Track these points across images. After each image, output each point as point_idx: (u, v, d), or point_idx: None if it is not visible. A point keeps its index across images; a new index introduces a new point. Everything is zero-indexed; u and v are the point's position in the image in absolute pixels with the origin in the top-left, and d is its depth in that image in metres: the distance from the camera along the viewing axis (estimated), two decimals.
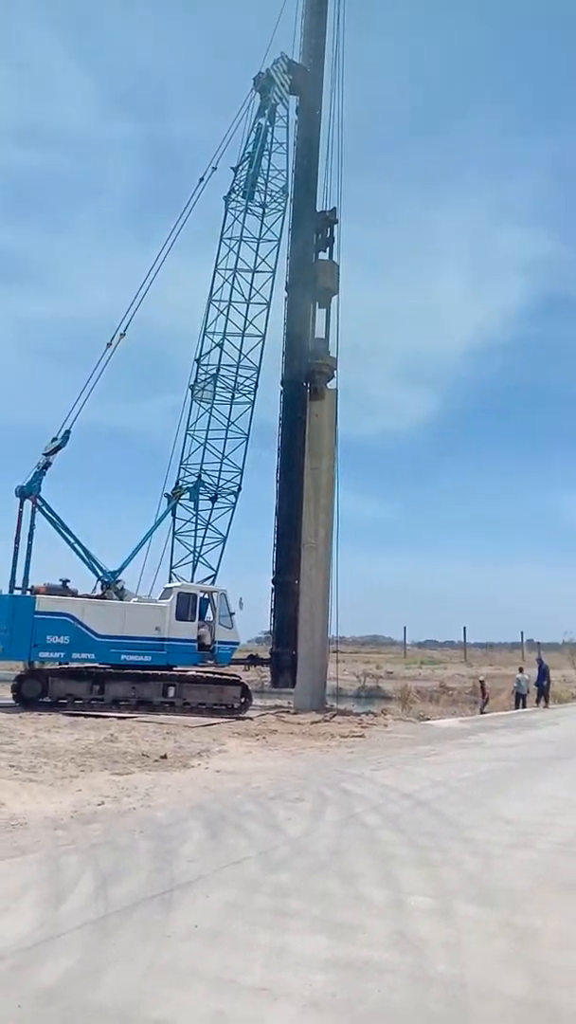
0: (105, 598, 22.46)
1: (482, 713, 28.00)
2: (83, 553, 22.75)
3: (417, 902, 5.44)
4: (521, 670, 31.09)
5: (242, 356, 25.70)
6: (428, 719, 24.12)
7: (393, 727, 19.66)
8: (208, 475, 25.41)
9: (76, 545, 22.65)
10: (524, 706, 28.74)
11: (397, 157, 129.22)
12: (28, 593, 21.18)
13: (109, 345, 24.11)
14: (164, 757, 12.37)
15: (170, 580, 24.49)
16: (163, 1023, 3.62)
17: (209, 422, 25.47)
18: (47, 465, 22.28)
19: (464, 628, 64.09)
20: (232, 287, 25.83)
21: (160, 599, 23.16)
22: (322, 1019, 3.71)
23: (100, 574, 22.85)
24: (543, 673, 29.64)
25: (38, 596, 20.95)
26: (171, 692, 21.40)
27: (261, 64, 26.75)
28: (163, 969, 4.21)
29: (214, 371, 25.55)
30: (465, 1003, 3.91)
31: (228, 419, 25.56)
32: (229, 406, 25.62)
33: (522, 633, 58.60)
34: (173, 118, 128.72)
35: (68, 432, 22.75)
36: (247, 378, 25.72)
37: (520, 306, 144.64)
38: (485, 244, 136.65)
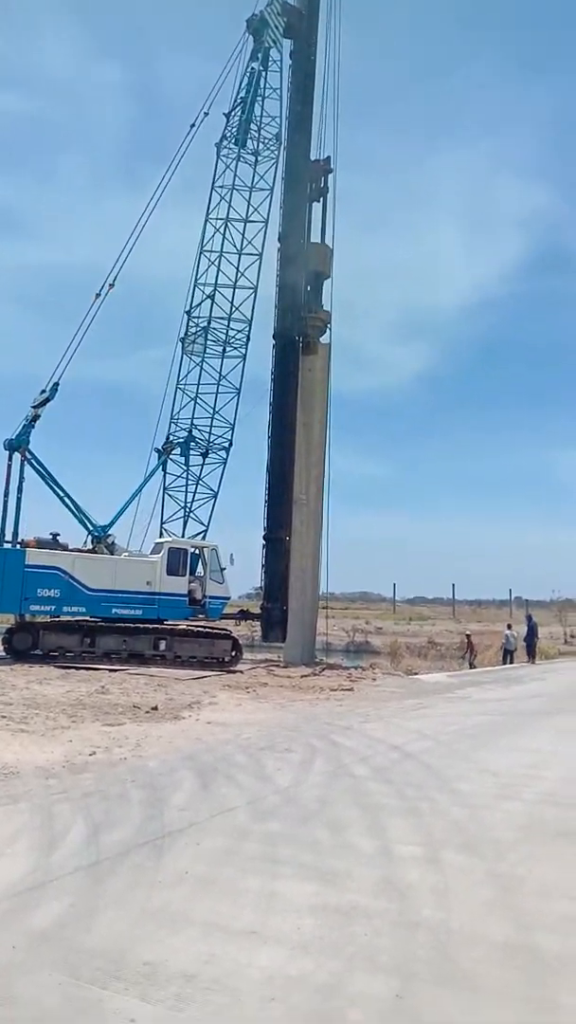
0: (96, 552, 22.46)
1: (471, 668, 28.38)
2: (73, 507, 22.71)
3: (404, 851, 5.54)
4: (509, 627, 31.45)
5: (233, 308, 25.39)
6: (416, 674, 24.42)
7: (381, 681, 19.89)
8: (199, 430, 25.30)
9: (66, 499, 22.59)
10: (512, 662, 29.13)
11: (393, 106, 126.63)
12: (18, 546, 21.15)
13: (97, 296, 23.76)
14: (155, 709, 12.48)
15: (161, 535, 24.51)
16: (154, 965, 3.69)
17: (200, 376, 25.29)
18: (36, 418, 22.10)
19: (453, 585, 64.76)
20: (224, 237, 25.43)
21: (151, 554, 23.18)
22: (310, 961, 3.78)
23: (90, 528, 22.83)
24: (532, 630, 29.99)
25: (28, 549, 20.93)
26: (162, 646, 21.56)
27: (254, 5, 25.96)
28: (154, 914, 4.28)
29: (205, 324, 25.26)
30: (450, 947, 4.00)
31: (219, 373, 25.37)
32: (220, 360, 25.41)
33: (511, 590, 59.33)
34: (162, 61, 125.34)
35: (56, 385, 22.52)
36: (238, 331, 25.46)
37: (517, 260, 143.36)
38: (482, 196, 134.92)
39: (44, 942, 3.90)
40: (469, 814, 6.64)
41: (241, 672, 20.81)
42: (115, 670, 18.58)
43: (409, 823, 6.28)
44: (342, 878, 4.94)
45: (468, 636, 31.44)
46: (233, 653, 22.68)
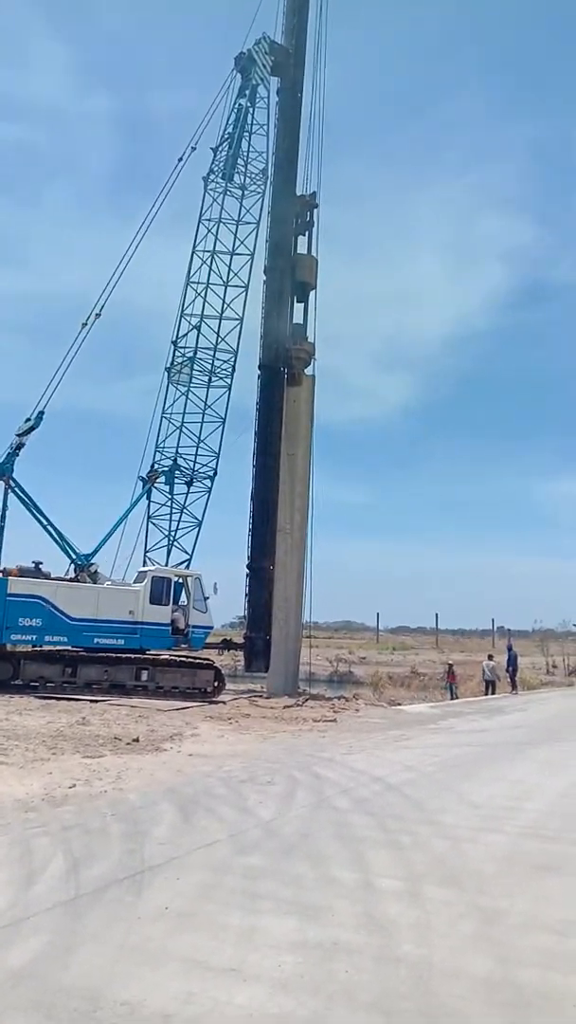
0: (78, 581, 22.34)
1: (453, 698, 28.31)
2: (56, 535, 22.63)
3: (386, 884, 5.51)
4: (490, 657, 31.44)
5: (219, 339, 25.59)
6: (399, 704, 24.33)
7: (364, 712, 19.81)
8: (184, 459, 25.35)
9: (49, 527, 22.52)
10: (494, 692, 29.09)
11: (378, 139, 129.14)
12: (0, 575, 21.00)
13: (84, 325, 23.89)
14: (136, 740, 12.37)
15: (144, 564, 24.43)
16: (132, 1004, 3.64)
17: (186, 405, 25.41)
18: (20, 446, 22.08)
19: (436, 615, 64.81)
20: (210, 269, 25.70)
21: (134, 583, 23.08)
22: (290, 999, 3.74)
23: (73, 557, 22.74)
24: (512, 660, 30.00)
25: (10, 578, 20.78)
26: (144, 676, 21.39)
27: (243, 43, 26.52)
28: (133, 950, 4.23)
29: (191, 354, 25.43)
30: (431, 983, 3.97)
31: (205, 403, 25.48)
32: (206, 389, 25.54)
33: (493, 620, 59.44)
34: (151, 93, 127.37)
35: (42, 413, 22.55)
36: (224, 361, 25.64)
37: (500, 293, 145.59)
38: (466, 229, 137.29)
39: (20, 981, 3.84)
40: (451, 846, 6.62)
41: (224, 703, 20.67)
42: (96, 701, 18.41)
43: (391, 856, 6.25)
44: (323, 913, 4.91)
45: (450, 666, 31.41)
46: (216, 684, 22.54)
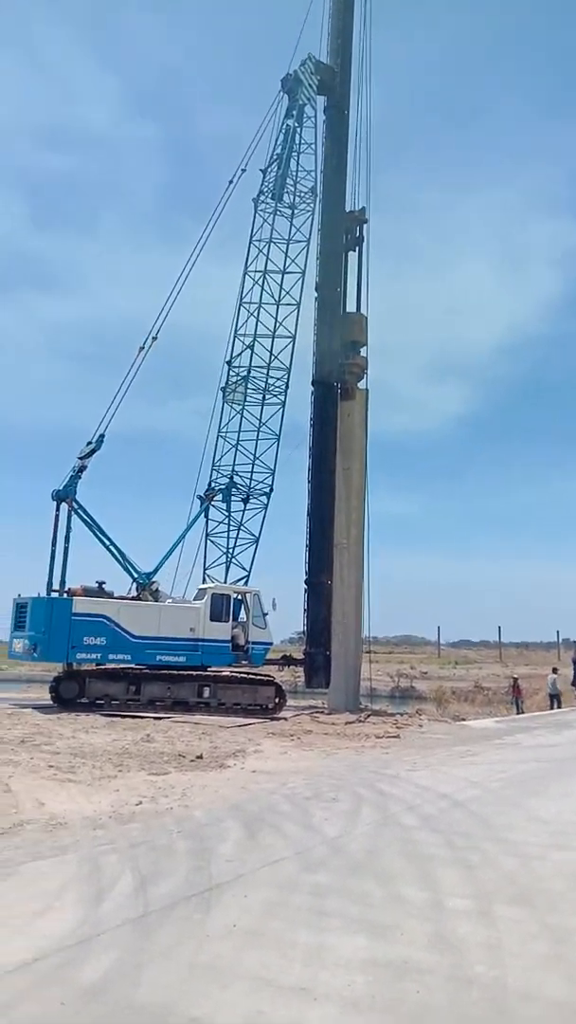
0: (140, 599, 22.63)
1: (519, 713, 27.74)
2: (118, 555, 22.94)
3: (455, 903, 5.43)
4: (555, 670, 30.75)
5: (272, 357, 25.73)
6: (463, 719, 23.96)
7: (428, 728, 19.57)
8: (240, 476, 25.51)
9: (111, 547, 22.85)
10: (559, 706, 28.41)
11: (424, 147, 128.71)
12: (65, 595, 21.41)
13: (141, 349, 24.29)
14: (200, 757, 12.44)
15: (204, 581, 24.61)
16: (203, 1021, 3.66)
17: (240, 423, 25.56)
18: (82, 469, 22.51)
19: (499, 627, 63.51)
20: (262, 289, 25.88)
21: (194, 600, 23.28)
22: (362, 1019, 3.71)
23: (135, 576, 23.03)
24: None
25: (75, 598, 21.15)
26: (206, 692, 21.50)
27: (288, 65, 26.79)
28: (202, 968, 4.25)
29: (245, 373, 25.62)
30: (506, 1004, 3.90)
31: (259, 420, 25.62)
32: (260, 407, 25.68)
33: (558, 632, 58.02)
34: (198, 117, 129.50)
35: (102, 436, 22.95)
36: (277, 379, 25.75)
37: (553, 298, 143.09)
38: (515, 234, 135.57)
39: (92, 998, 3.89)
40: (520, 864, 6.49)
41: (285, 719, 20.64)
42: (160, 718, 18.57)
43: (459, 874, 6.15)
44: (392, 931, 4.86)
45: (515, 680, 30.78)
46: (277, 700, 22.51)
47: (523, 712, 28.10)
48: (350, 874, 6.09)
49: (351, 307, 27.15)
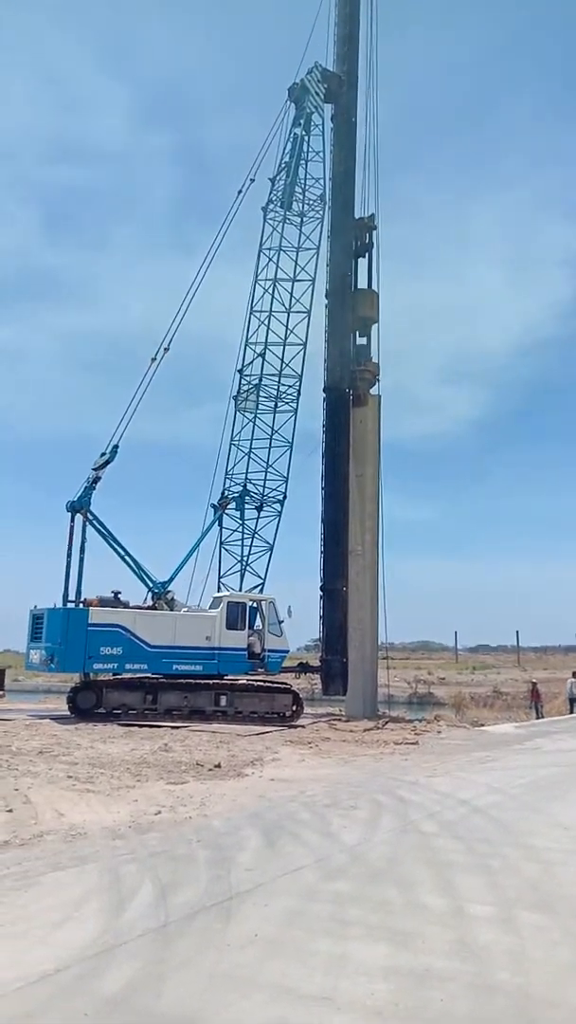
0: (156, 609, 22.67)
1: (538, 718, 27.56)
2: (133, 565, 23.01)
3: (477, 910, 5.39)
4: (574, 674, 30.54)
5: (284, 365, 25.78)
6: (482, 725, 23.83)
7: (447, 733, 19.47)
8: (253, 484, 25.53)
9: (126, 557, 22.92)
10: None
11: (434, 152, 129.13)
12: (81, 606, 21.49)
13: (153, 360, 24.39)
14: (218, 766, 12.43)
15: (219, 589, 24.64)
16: None
17: (253, 432, 25.60)
18: (97, 479, 22.60)
19: (517, 632, 63.24)
20: (272, 297, 25.96)
21: (209, 608, 23.30)
22: None
23: (150, 585, 23.08)
24: None
25: (91, 608, 21.22)
26: (223, 701, 21.49)
27: (296, 74, 26.94)
28: (224, 977, 4.24)
29: (256, 381, 25.68)
30: (531, 1012, 3.86)
31: (271, 428, 25.65)
32: (272, 415, 25.72)
33: None
34: (208, 127, 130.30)
35: (116, 447, 23.05)
36: (289, 387, 25.80)
37: (565, 300, 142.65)
38: (526, 237, 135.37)
39: (115, 1008, 3.88)
40: (542, 870, 6.43)
41: (303, 727, 20.61)
42: (177, 727, 18.59)
43: (481, 881, 6.11)
44: (414, 939, 4.82)
45: (534, 684, 30.58)
46: (294, 707, 22.48)
47: (543, 717, 27.91)
48: (370, 882, 6.06)
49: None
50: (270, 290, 25.94)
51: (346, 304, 26.64)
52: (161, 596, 22.95)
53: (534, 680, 31.49)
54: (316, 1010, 3.85)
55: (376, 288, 27.39)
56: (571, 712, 28.04)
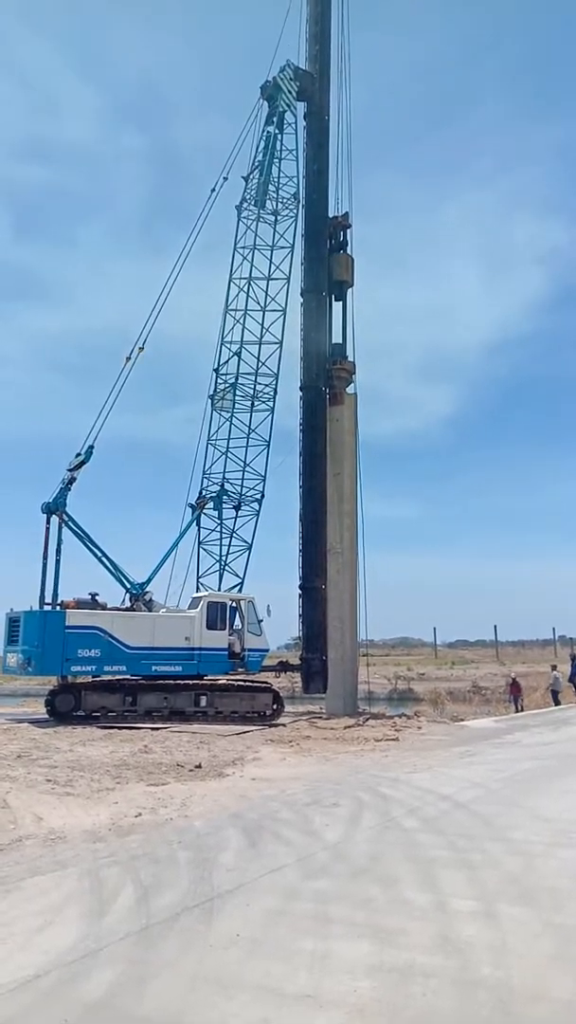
0: (134, 610, 22.56)
1: (517, 711, 27.76)
2: (110, 566, 22.88)
3: (459, 904, 5.40)
4: (553, 667, 30.84)
5: (260, 364, 25.75)
6: (462, 720, 23.95)
7: (427, 729, 19.55)
8: (231, 484, 25.48)
9: (103, 558, 22.78)
10: (558, 703, 28.47)
11: (406, 151, 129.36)
12: (58, 608, 21.33)
13: (128, 359, 24.26)
14: (199, 767, 12.39)
15: (197, 590, 24.57)
16: None
17: (230, 431, 25.54)
18: (72, 481, 22.44)
19: (495, 627, 63.47)
20: (247, 296, 25.91)
21: (188, 609, 23.22)
22: None
23: (128, 586, 22.96)
24: None
25: (68, 611, 21.07)
26: (203, 701, 21.44)
27: (267, 72, 26.90)
28: (207, 978, 4.21)
29: (233, 380, 25.62)
30: (513, 1006, 3.87)
31: (248, 427, 25.61)
32: (249, 414, 25.67)
33: (554, 629, 58.09)
34: (178, 127, 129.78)
35: (91, 447, 22.91)
36: (266, 385, 25.77)
37: (538, 298, 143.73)
38: (499, 235, 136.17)
39: (96, 1013, 3.85)
40: (524, 863, 6.47)
41: (283, 725, 20.59)
42: (157, 728, 18.50)
43: (463, 875, 6.13)
44: (397, 936, 4.82)
45: (514, 679, 30.76)
46: (275, 706, 22.47)
47: (523, 710, 28.11)
48: (352, 879, 6.06)
49: (336, 310, 27.26)
50: (245, 289, 25.90)
51: (321, 297, 26.63)
52: (139, 597, 22.83)
53: (514, 675, 31.69)
54: (299, 1009, 3.84)
55: (352, 289, 27.43)
56: (555, 704, 28.31)
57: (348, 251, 27.44)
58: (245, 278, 25.92)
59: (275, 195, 26.44)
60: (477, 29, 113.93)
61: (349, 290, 27.23)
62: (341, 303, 27.17)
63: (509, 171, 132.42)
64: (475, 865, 6.42)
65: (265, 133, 26.53)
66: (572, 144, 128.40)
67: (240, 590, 24.93)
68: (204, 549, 25.35)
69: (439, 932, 4.88)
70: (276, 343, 25.86)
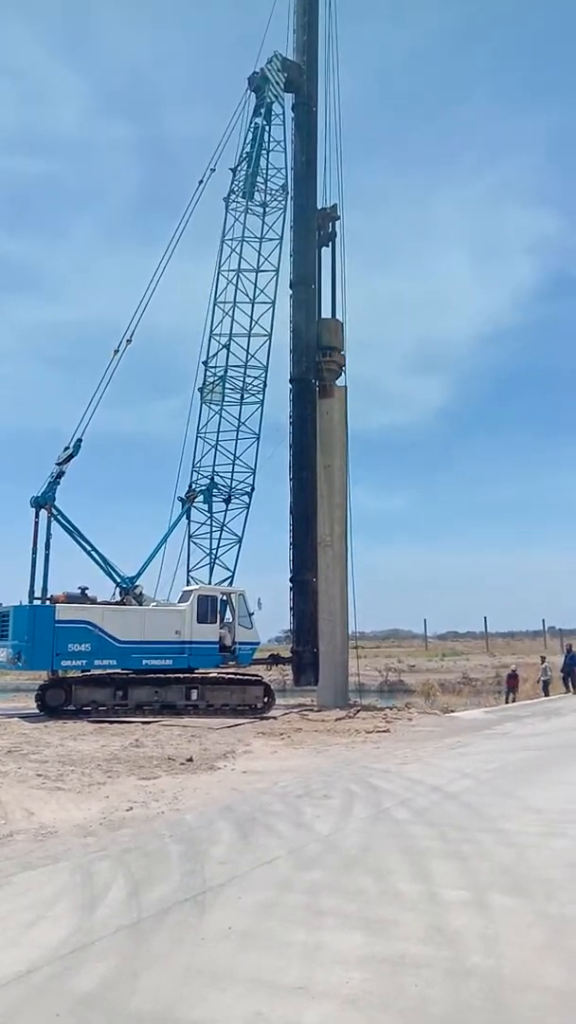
0: (124, 604, 22.50)
1: (507, 702, 27.89)
2: (100, 560, 22.80)
3: (451, 895, 5.41)
4: (543, 659, 31.04)
5: (249, 356, 25.67)
6: (453, 711, 24.05)
7: (418, 720, 19.61)
8: (221, 477, 25.42)
9: (93, 552, 22.69)
10: (548, 694, 28.68)
11: (397, 143, 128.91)
12: (48, 602, 21.25)
13: (116, 352, 24.15)
14: (190, 760, 12.38)
15: (188, 583, 24.53)
16: None
17: (219, 424, 25.48)
18: (60, 474, 22.34)
19: (485, 618, 63.69)
20: (236, 288, 25.82)
21: (179, 602, 23.18)
22: (360, 1016, 3.68)
23: (118, 580, 22.90)
24: (574, 660, 29.49)
25: (58, 605, 20.99)
26: (194, 695, 21.42)
27: (255, 63, 26.74)
28: (199, 971, 4.21)
29: (222, 372, 25.54)
30: (504, 995, 3.88)
31: (238, 420, 25.55)
32: (239, 407, 25.61)
33: (543, 620, 58.46)
34: (169, 118, 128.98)
35: (80, 441, 22.81)
36: (255, 378, 25.71)
37: (528, 287, 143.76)
38: (489, 226, 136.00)
39: (88, 1007, 3.84)
40: (515, 854, 6.49)
41: (275, 718, 20.61)
42: (148, 722, 18.49)
43: (454, 866, 6.14)
44: (389, 926, 4.83)
45: (513, 670, 30.77)
46: (266, 699, 22.47)
47: (515, 701, 28.24)
48: (344, 871, 6.06)
49: (326, 303, 27.24)
50: (234, 281, 25.80)
51: (311, 293, 26.57)
52: (129, 591, 22.77)
53: (514, 667, 31.77)
54: (292, 1000, 3.84)
55: (341, 281, 27.42)
56: (545, 695, 28.47)
57: (338, 243, 27.45)
58: (234, 270, 25.83)
59: (263, 187, 26.33)
60: (465, 21, 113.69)
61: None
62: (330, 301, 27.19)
63: (498, 162, 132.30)
64: (466, 856, 6.44)
65: (253, 124, 26.40)
66: (561, 134, 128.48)
67: (231, 583, 24.90)
68: (194, 542, 25.31)
69: (431, 923, 4.89)
70: (265, 335, 25.80)
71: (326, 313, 27.09)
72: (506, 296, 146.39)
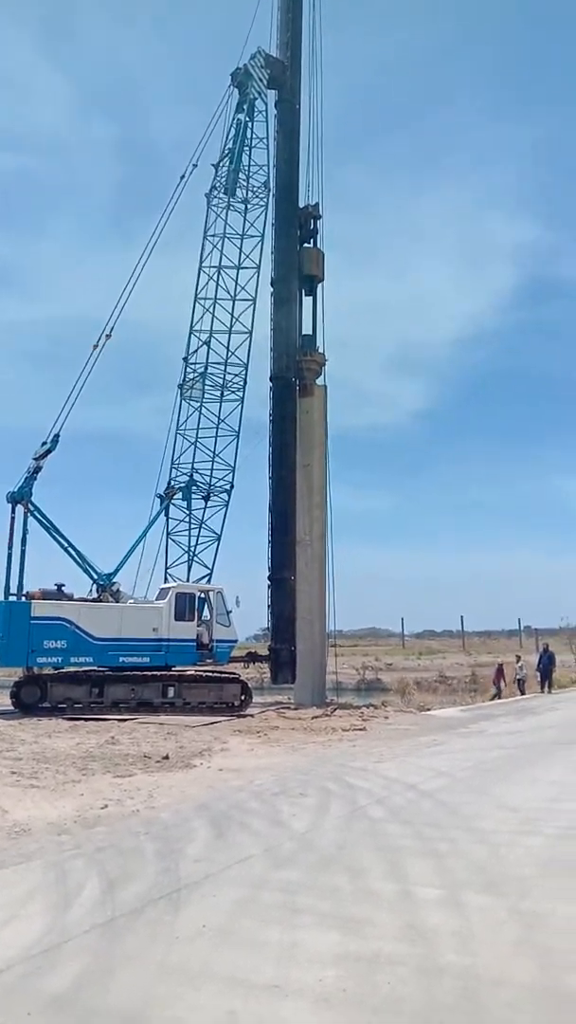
0: (101, 601, 22.39)
1: (493, 699, 28.06)
2: (77, 557, 22.69)
3: (425, 893, 5.43)
4: (518, 658, 31.28)
5: (230, 353, 25.65)
6: (428, 709, 24.16)
7: (394, 719, 19.68)
8: (200, 474, 25.38)
9: (70, 549, 22.59)
10: (523, 692, 28.90)
11: (380, 146, 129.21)
12: (23, 599, 21.10)
13: (95, 347, 24.03)
14: (166, 758, 12.34)
15: (166, 580, 24.45)
16: None
17: (199, 421, 25.44)
18: (37, 470, 22.21)
19: (461, 617, 64.22)
20: (217, 284, 25.78)
21: (156, 600, 23.10)
22: (333, 1014, 3.69)
23: (95, 577, 22.79)
24: (550, 659, 29.75)
25: (34, 601, 20.86)
26: (171, 692, 21.37)
27: (238, 59, 26.67)
28: (173, 970, 4.19)
29: (202, 369, 25.49)
30: (477, 992, 3.90)
31: (218, 417, 25.52)
32: (219, 404, 25.58)
33: (519, 620, 58.93)
34: (150, 116, 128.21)
35: (57, 436, 22.68)
36: (235, 375, 25.68)
37: (508, 293, 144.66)
38: (471, 231, 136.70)
39: (60, 1007, 3.81)
40: (489, 852, 6.52)
41: (251, 716, 20.60)
42: (124, 719, 18.41)
43: (429, 864, 6.17)
44: (363, 925, 4.84)
45: (500, 666, 30.87)
46: (243, 697, 22.46)
47: (500, 696, 28.41)
48: (320, 869, 6.07)
49: (307, 302, 27.21)
50: (215, 277, 25.77)
51: (292, 291, 26.56)
52: (106, 588, 22.67)
53: (501, 661, 31.93)
54: (266, 999, 3.83)
55: (322, 282, 27.41)
56: (521, 694, 28.67)
57: (318, 242, 27.47)
58: (215, 267, 25.80)
59: (245, 183, 26.32)
60: (452, 27, 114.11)
61: (319, 284, 27.21)
62: (312, 297, 27.17)
63: (483, 168, 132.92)
64: (441, 854, 6.46)
65: (235, 120, 26.37)
66: (545, 142, 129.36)
67: (209, 581, 24.86)
68: (173, 540, 25.26)
69: (405, 921, 4.90)
70: (246, 333, 25.78)
71: (306, 316, 27.16)
72: (486, 300, 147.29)
